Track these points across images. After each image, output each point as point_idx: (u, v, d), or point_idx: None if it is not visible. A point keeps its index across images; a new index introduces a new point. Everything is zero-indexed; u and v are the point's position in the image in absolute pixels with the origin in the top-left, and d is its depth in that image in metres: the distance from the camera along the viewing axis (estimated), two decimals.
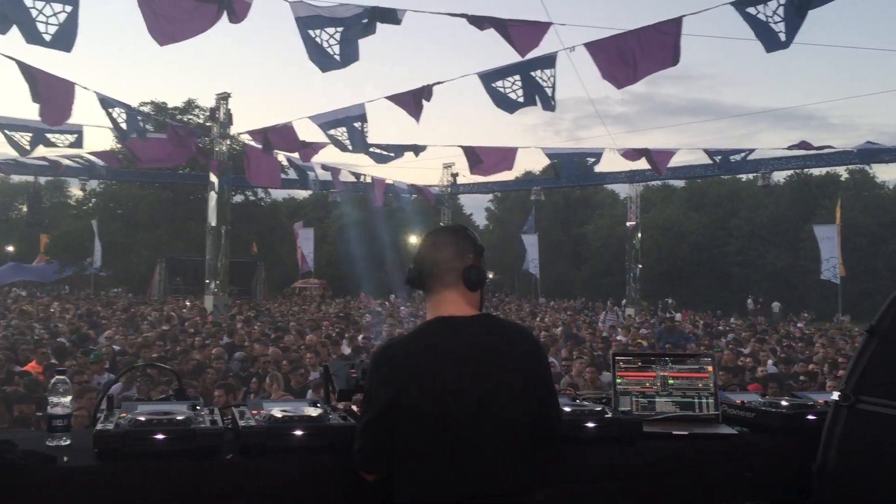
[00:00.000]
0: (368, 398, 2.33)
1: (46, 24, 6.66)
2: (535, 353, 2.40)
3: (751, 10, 6.75)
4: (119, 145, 14.55)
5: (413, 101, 9.44)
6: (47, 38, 6.69)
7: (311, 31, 7.41)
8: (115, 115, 11.00)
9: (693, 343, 16.36)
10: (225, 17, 7.18)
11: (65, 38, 6.73)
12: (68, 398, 2.61)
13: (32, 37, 6.72)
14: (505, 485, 2.23)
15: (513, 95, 8.59)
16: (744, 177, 44.39)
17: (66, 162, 19.35)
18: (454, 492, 2.19)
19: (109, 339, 13.03)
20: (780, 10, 6.59)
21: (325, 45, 7.43)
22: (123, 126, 11.15)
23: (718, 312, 33.20)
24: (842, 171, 47.94)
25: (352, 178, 23.06)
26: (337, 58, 7.46)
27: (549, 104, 8.59)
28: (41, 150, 12.98)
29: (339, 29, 7.41)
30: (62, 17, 6.65)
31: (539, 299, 42.86)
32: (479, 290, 2.39)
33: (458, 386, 2.21)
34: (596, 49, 7.93)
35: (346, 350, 12.48)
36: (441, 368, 2.23)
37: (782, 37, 6.72)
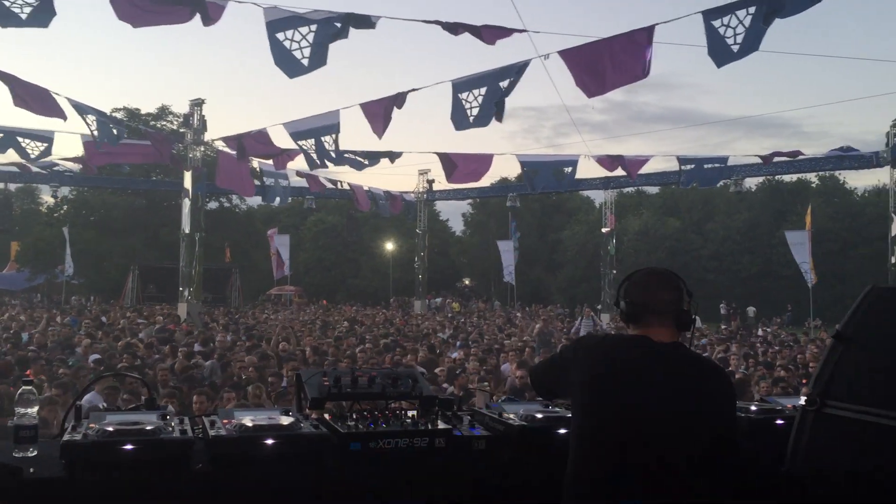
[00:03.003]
0: (560, 350, 2.77)
1: (22, 5, 6.57)
2: (724, 391, 2.55)
3: (716, 22, 6.83)
4: (84, 150, 14.37)
5: (382, 114, 9.40)
6: (23, 16, 6.59)
7: (279, 35, 7.36)
8: (88, 121, 10.90)
9: None
10: (199, 20, 7.15)
11: (41, 16, 6.64)
12: (35, 409, 2.58)
13: (7, 19, 6.61)
14: (675, 489, 2.36)
15: (469, 112, 8.59)
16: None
17: (37, 169, 19.11)
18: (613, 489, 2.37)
19: (85, 349, 12.84)
20: (747, 20, 6.68)
21: (293, 48, 7.38)
22: (96, 133, 11.04)
23: None
24: (812, 178, 48.61)
25: (328, 185, 22.99)
26: (304, 62, 7.42)
27: (501, 116, 8.60)
28: (12, 155, 12.84)
29: (313, 28, 7.37)
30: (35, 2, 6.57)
31: (495, 302, 42.89)
32: (686, 330, 2.62)
33: (641, 393, 2.42)
34: (569, 57, 7.97)
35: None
36: (620, 370, 2.48)
37: (735, 48, 6.82)
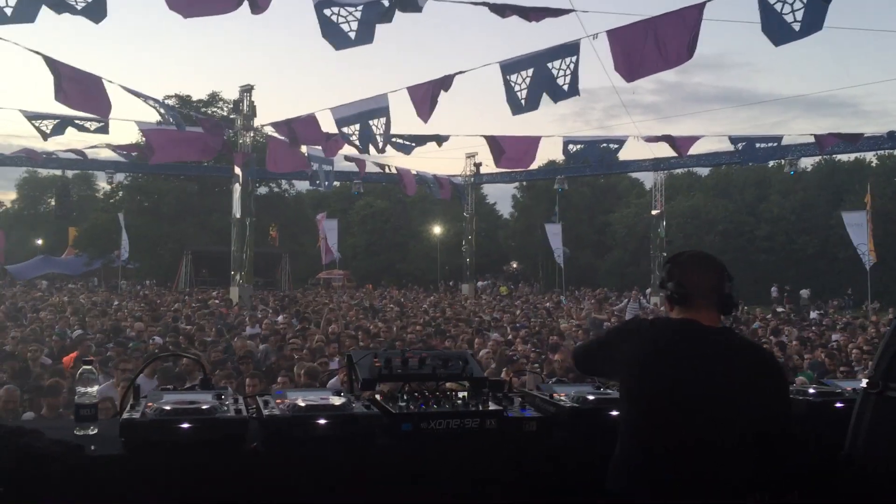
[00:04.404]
0: (611, 329, 2.80)
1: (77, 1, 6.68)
2: (774, 379, 2.52)
3: None
4: (144, 139, 14.62)
5: (429, 97, 9.32)
6: (77, 7, 6.70)
7: (326, 11, 7.36)
8: (151, 104, 11.09)
9: None
10: (247, 7, 7.17)
11: (95, 9, 6.74)
12: (95, 388, 2.64)
13: (61, 7, 6.73)
14: (718, 477, 2.36)
15: (520, 94, 8.47)
16: (771, 163, 43.86)
17: (98, 142, 19.42)
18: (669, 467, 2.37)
19: (139, 332, 13.17)
20: None
21: (340, 22, 7.36)
22: (162, 111, 11.23)
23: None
24: (871, 157, 47.23)
25: (376, 169, 23.07)
26: (351, 35, 7.38)
27: (561, 94, 8.45)
28: (70, 142, 13.07)
29: (359, 7, 7.36)
30: None
31: (534, 285, 42.17)
32: (728, 315, 2.68)
33: (689, 377, 2.41)
34: (616, 37, 7.81)
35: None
36: (675, 353, 2.47)
37: (796, 27, 6.56)
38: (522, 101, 8.48)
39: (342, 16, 7.32)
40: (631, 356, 2.52)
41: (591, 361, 2.86)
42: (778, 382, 2.51)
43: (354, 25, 7.35)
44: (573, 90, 8.41)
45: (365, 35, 7.40)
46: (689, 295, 2.57)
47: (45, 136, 12.34)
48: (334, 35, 7.39)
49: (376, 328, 14.41)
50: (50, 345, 11.38)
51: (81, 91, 9.49)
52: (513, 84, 8.52)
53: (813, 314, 26.59)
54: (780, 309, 28.85)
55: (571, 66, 8.32)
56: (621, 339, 2.64)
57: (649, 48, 7.62)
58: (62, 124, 12.25)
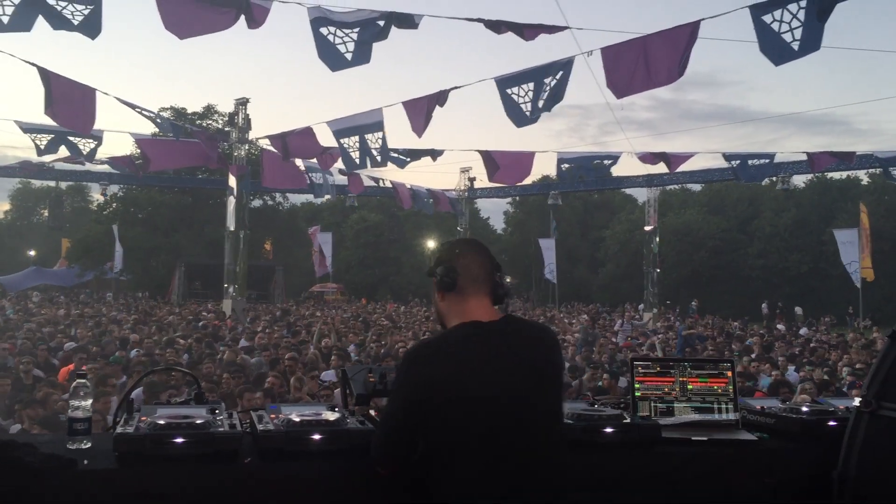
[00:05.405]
0: (397, 395, 2.37)
1: (73, 13, 6.74)
2: (558, 356, 2.50)
3: (766, 17, 6.62)
4: (138, 150, 14.68)
5: (424, 112, 9.35)
6: (74, 22, 6.75)
7: (323, 30, 7.38)
8: (147, 114, 11.12)
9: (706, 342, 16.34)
10: (244, 22, 7.20)
11: (90, 25, 6.79)
12: (89, 402, 2.63)
13: (58, 23, 6.78)
14: (545, 478, 2.27)
15: (524, 107, 8.48)
16: (765, 180, 44.03)
17: (95, 163, 19.40)
18: (494, 485, 2.21)
19: (135, 344, 13.12)
20: (801, 14, 6.46)
21: (337, 43, 7.39)
22: (157, 125, 11.26)
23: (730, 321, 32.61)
24: (863, 175, 47.51)
25: (370, 183, 23.07)
26: (348, 56, 7.40)
27: (548, 107, 8.49)
28: (64, 151, 13.02)
29: (356, 30, 7.39)
30: (86, 11, 6.73)
31: (515, 301, 42.52)
32: (500, 303, 2.49)
33: (491, 386, 2.25)
34: (610, 54, 7.86)
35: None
36: (474, 369, 2.26)
37: (795, 46, 6.58)
38: (528, 113, 8.48)
39: (339, 36, 7.34)
40: (426, 388, 2.23)
41: (401, 440, 2.35)
42: (562, 365, 2.53)
43: (351, 46, 7.37)
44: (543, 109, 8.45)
45: (362, 55, 7.42)
46: (459, 279, 2.40)
47: (39, 151, 12.36)
48: (331, 57, 7.41)
49: (369, 341, 14.41)
50: (35, 355, 11.28)
51: (69, 106, 9.46)
52: (515, 97, 8.53)
53: (803, 331, 26.60)
54: (780, 326, 28.82)
55: (556, 80, 8.35)
56: (413, 378, 2.29)
57: (641, 66, 7.66)
58: (57, 140, 12.25)
